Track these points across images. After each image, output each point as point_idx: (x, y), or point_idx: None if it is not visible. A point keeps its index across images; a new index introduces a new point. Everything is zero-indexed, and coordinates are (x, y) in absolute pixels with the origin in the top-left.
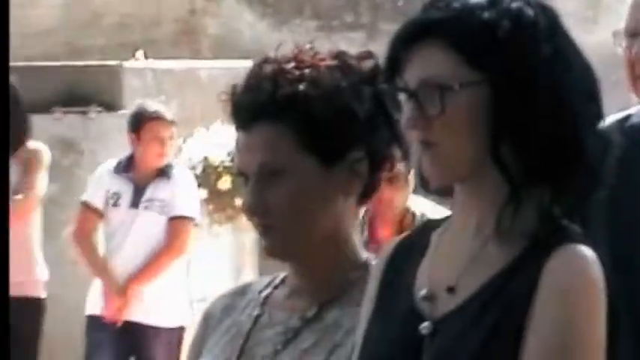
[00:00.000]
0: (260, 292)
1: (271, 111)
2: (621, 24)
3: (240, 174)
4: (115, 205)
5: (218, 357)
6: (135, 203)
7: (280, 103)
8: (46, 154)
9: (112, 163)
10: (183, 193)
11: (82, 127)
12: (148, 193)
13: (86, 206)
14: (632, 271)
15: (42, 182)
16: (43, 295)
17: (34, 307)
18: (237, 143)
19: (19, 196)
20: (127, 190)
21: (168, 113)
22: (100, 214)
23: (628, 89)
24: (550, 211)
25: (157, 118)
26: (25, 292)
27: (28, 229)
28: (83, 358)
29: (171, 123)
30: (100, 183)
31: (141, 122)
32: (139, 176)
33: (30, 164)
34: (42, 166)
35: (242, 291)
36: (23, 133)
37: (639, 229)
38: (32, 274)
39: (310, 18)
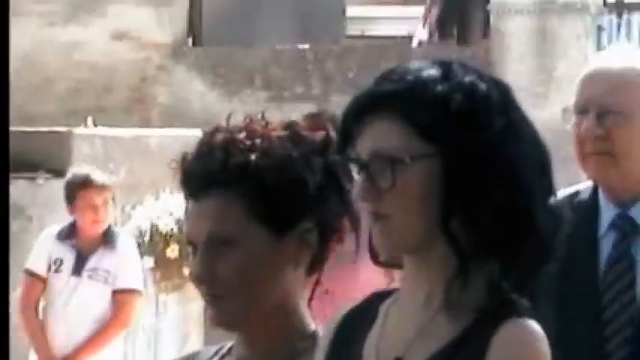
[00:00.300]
0: None
1: (222, 180)
2: (571, 100)
3: (188, 242)
4: (57, 271)
5: None
6: (77, 270)
7: (231, 172)
8: None
9: (56, 228)
10: (128, 264)
11: (31, 192)
12: (93, 261)
13: (30, 274)
14: (573, 346)
15: None
16: None
17: None
18: (186, 211)
19: None
20: (69, 258)
21: (101, 178)
22: (43, 281)
23: (577, 165)
24: (499, 284)
25: (87, 185)
26: None
27: None
28: None
29: (104, 188)
30: (43, 249)
31: (72, 191)
32: (82, 244)
33: None
34: None
35: None
36: None
37: (583, 304)
38: None
39: (261, 88)
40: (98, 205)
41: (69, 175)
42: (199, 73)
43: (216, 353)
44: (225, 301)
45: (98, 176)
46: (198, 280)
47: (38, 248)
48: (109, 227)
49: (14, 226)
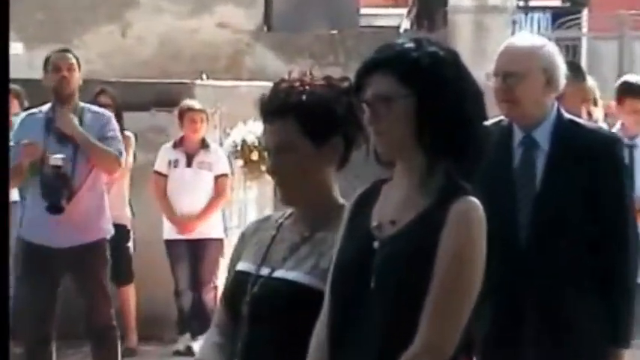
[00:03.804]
0: (276, 220)
1: (284, 110)
2: (491, 67)
3: (265, 149)
4: (175, 166)
5: (250, 260)
6: (189, 164)
7: (289, 106)
8: (133, 139)
9: (170, 143)
10: (220, 158)
11: (169, 119)
12: (199, 158)
13: (156, 173)
14: (495, 213)
15: (130, 159)
16: (128, 224)
17: (123, 230)
18: (264, 131)
19: None
20: (182, 158)
21: (198, 105)
22: (165, 176)
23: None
24: (452, 175)
25: (190, 109)
26: (119, 221)
27: (122, 187)
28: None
29: (200, 112)
30: (164, 156)
31: (181, 113)
32: (187, 149)
33: (124, 146)
34: (131, 147)
35: (266, 219)
36: (120, 126)
37: (503, 190)
38: (123, 211)
39: (308, 58)
40: (196, 120)
41: (180, 105)
42: (271, 49)
43: (282, 215)
44: (287, 187)
45: (196, 104)
46: (271, 172)
47: (160, 156)
48: (204, 138)
49: (160, 139)
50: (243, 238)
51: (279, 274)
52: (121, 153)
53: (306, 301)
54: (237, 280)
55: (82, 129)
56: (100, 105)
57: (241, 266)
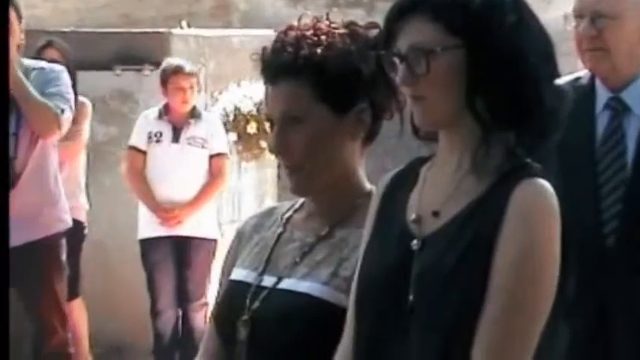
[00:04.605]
0: (283, 214)
1: (293, 69)
2: (570, 7)
3: (267, 120)
4: (158, 141)
5: (249, 267)
6: (176, 139)
7: (300, 62)
8: (89, 107)
9: (151, 111)
10: (217, 133)
11: (137, 81)
12: (188, 132)
13: (133, 149)
14: (572, 200)
15: (87, 130)
16: (83, 218)
17: (77, 226)
18: (266, 95)
19: (68, 142)
20: (167, 130)
21: (188, 66)
22: (144, 153)
23: (577, 58)
24: (515, 151)
25: (177, 71)
26: (72, 215)
27: (75, 168)
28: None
29: (191, 74)
30: (142, 128)
31: (166, 76)
32: (175, 120)
33: (78, 115)
34: (87, 117)
35: (269, 213)
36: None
37: (582, 170)
38: (77, 201)
39: None
40: (186, 89)
41: (164, 64)
42: None
43: (290, 208)
44: (300, 173)
45: (186, 65)
46: (275, 150)
47: (138, 128)
48: (194, 107)
49: (125, 108)
50: (239, 238)
51: (287, 284)
52: (62, 111)
53: (324, 321)
54: (232, 293)
55: (23, 78)
56: (47, 61)
57: (237, 274)
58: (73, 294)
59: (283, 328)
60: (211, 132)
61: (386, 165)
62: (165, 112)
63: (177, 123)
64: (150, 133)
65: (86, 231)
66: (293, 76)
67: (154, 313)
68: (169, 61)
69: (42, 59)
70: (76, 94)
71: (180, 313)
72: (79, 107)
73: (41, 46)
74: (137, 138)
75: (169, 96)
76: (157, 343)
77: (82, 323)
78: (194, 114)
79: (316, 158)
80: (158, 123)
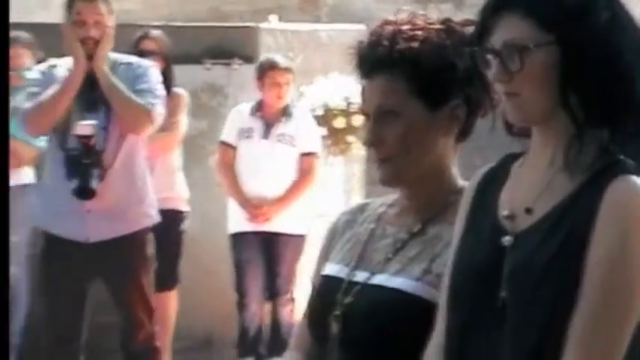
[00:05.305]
0: (375, 209)
1: (388, 63)
2: None
3: (363, 113)
4: (248, 137)
5: (341, 262)
6: (266, 136)
7: (396, 56)
8: (185, 98)
9: (244, 106)
10: (309, 131)
11: (227, 75)
12: (279, 129)
13: (223, 144)
14: None
15: (184, 121)
16: (183, 207)
17: (175, 217)
18: (361, 89)
19: (165, 133)
20: (258, 126)
21: (285, 62)
22: (234, 148)
23: None
24: (608, 148)
25: (274, 67)
26: (167, 206)
27: (171, 159)
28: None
29: (286, 70)
30: (233, 123)
31: (262, 71)
32: (267, 115)
33: (174, 106)
34: (184, 108)
35: (361, 209)
36: (169, 82)
37: None
38: (174, 191)
39: None
40: (282, 84)
41: (261, 59)
42: None
43: (383, 203)
44: (391, 162)
45: (283, 61)
46: (369, 143)
47: (229, 123)
48: (287, 105)
49: (214, 102)
50: (332, 234)
51: (379, 279)
52: (153, 106)
53: (415, 316)
54: (325, 289)
55: (111, 76)
56: (143, 53)
57: (330, 270)
58: (170, 284)
59: (375, 323)
60: (302, 130)
61: (475, 162)
62: (258, 108)
63: (270, 119)
64: (241, 129)
65: (186, 221)
66: (388, 69)
67: (241, 306)
68: (266, 56)
69: (139, 51)
70: (172, 85)
71: (267, 307)
72: (174, 99)
73: (138, 37)
74: (228, 133)
75: (265, 91)
76: (241, 337)
77: (170, 316)
78: (286, 112)
79: (409, 151)
80: (250, 119)
